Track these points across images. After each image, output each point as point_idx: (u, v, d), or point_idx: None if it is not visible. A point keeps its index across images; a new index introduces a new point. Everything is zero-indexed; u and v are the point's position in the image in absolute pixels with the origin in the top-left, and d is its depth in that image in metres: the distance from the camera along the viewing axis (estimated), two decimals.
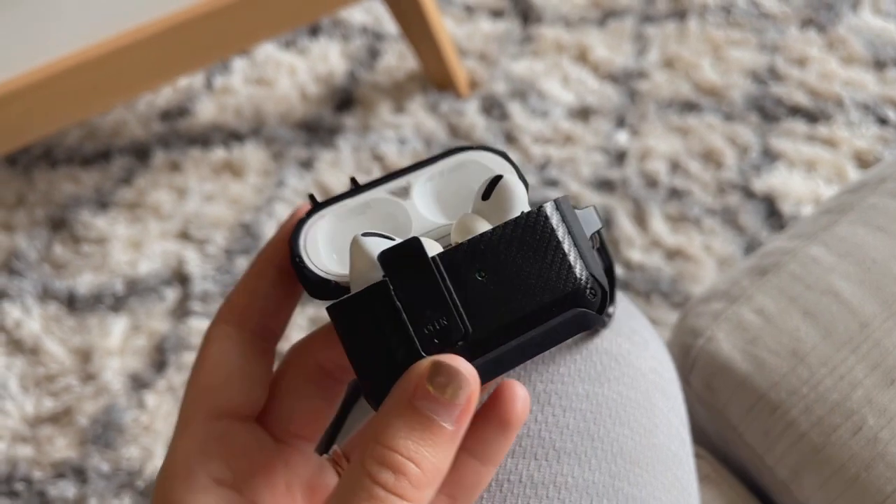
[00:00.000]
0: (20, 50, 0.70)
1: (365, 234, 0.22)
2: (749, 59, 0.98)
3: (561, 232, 0.22)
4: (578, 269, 0.22)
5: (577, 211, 0.23)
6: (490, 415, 0.23)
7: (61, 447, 0.78)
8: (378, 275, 0.21)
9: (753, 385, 0.37)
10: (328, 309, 0.22)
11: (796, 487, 0.37)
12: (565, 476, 0.26)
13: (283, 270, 0.25)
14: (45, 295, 0.87)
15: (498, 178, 0.23)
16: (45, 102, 0.72)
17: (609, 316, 0.28)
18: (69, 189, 0.95)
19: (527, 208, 0.23)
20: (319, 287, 0.24)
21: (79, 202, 0.94)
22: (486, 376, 0.21)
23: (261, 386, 0.24)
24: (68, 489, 0.76)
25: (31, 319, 0.86)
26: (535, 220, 0.22)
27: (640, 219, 0.87)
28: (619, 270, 0.84)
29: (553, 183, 0.90)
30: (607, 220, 0.88)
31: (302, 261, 0.24)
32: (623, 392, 0.29)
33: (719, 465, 0.41)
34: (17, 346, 0.84)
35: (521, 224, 0.22)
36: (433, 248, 0.22)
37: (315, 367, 0.25)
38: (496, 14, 1.06)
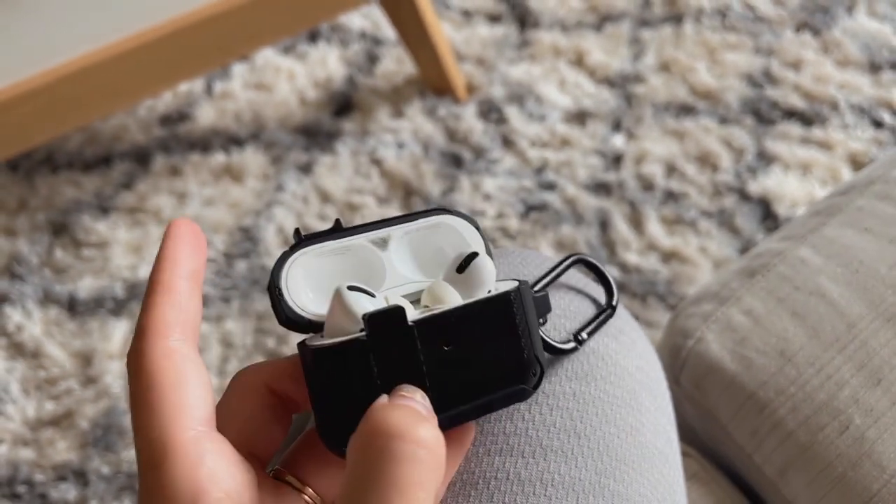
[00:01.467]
0: (22, 55, 0.70)
1: (350, 288, 0.24)
2: (744, 63, 0.99)
3: (518, 318, 0.25)
4: (526, 353, 0.25)
5: (535, 296, 0.27)
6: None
7: (62, 450, 0.79)
8: (355, 328, 0.23)
9: (742, 385, 0.38)
10: (301, 346, 0.24)
11: (784, 486, 0.38)
12: (552, 473, 0.27)
13: (193, 279, 0.25)
14: (47, 299, 0.88)
15: (474, 255, 0.26)
16: (46, 108, 0.73)
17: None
18: (70, 194, 0.96)
19: (493, 286, 0.26)
20: (292, 322, 0.26)
21: (80, 207, 0.94)
22: (442, 426, 0.23)
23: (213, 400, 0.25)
24: (69, 491, 0.77)
25: (32, 323, 0.86)
26: (497, 304, 0.25)
27: (637, 221, 0.88)
28: (615, 272, 0.85)
29: (550, 186, 0.91)
30: (604, 223, 0.88)
31: (281, 294, 0.26)
32: (609, 391, 0.30)
33: (708, 463, 0.41)
34: (19, 349, 0.85)
35: (487, 305, 0.25)
36: (409, 313, 0.24)
37: (267, 393, 0.26)
38: (493, 19, 1.07)
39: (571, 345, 0.29)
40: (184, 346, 0.24)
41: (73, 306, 0.87)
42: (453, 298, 0.25)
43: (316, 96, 1.02)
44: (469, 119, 0.97)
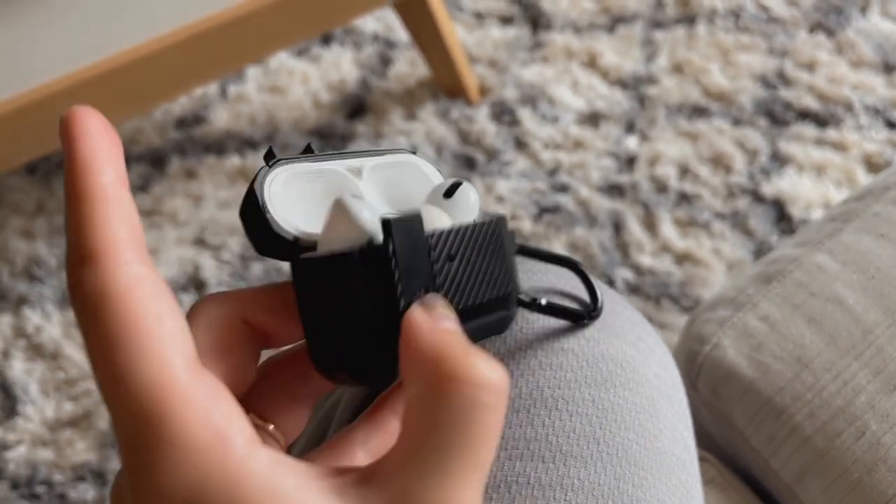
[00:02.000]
0: (39, 62, 0.71)
1: (353, 197, 0.22)
2: (758, 64, 0.99)
3: (506, 244, 0.25)
4: (511, 280, 0.25)
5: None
6: None
7: (81, 450, 0.80)
8: (361, 240, 0.22)
9: (759, 391, 0.38)
10: (302, 261, 0.22)
11: (801, 491, 0.38)
12: (572, 478, 0.27)
13: (126, 185, 0.20)
14: (65, 301, 0.89)
15: (460, 182, 0.26)
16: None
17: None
18: None
19: (477, 215, 0.26)
20: (280, 243, 0.23)
21: None
22: None
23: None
24: (88, 492, 0.78)
25: (51, 325, 0.87)
26: (492, 229, 0.25)
27: (650, 223, 0.88)
28: (628, 275, 0.85)
29: (563, 188, 0.91)
30: (617, 225, 0.88)
31: (266, 208, 0.23)
32: (628, 397, 0.30)
33: (725, 468, 0.41)
34: (38, 351, 0.86)
35: (483, 228, 0.24)
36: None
37: (238, 325, 0.23)
38: (506, 21, 1.07)
39: (527, 299, 0.27)
40: (149, 270, 0.19)
41: None
42: (444, 220, 0.25)
43: (329, 99, 1.02)
44: (482, 121, 0.97)
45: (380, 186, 0.27)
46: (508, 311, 0.25)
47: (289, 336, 0.24)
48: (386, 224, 0.21)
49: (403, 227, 0.21)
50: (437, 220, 0.25)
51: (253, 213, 0.23)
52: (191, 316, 0.22)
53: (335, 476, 0.19)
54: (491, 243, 0.24)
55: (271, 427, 0.24)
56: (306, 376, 0.24)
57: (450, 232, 0.23)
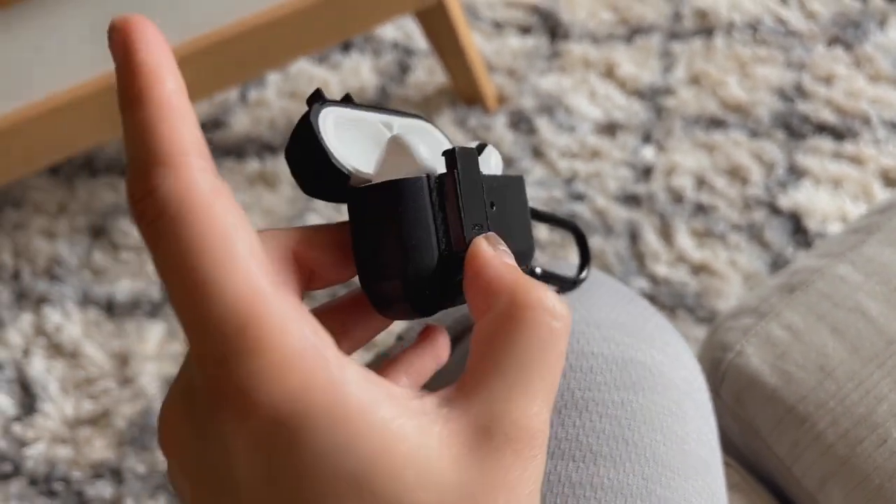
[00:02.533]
0: (67, 66, 0.73)
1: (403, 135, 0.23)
2: (776, 77, 0.99)
3: (527, 200, 0.27)
4: (531, 235, 0.27)
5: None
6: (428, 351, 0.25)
7: (99, 448, 0.80)
8: (418, 173, 0.22)
9: (782, 398, 0.39)
10: (362, 191, 0.22)
11: (822, 497, 0.38)
12: (601, 478, 0.28)
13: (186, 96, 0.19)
14: (86, 300, 0.90)
15: (485, 144, 0.27)
16: (89, 117, 0.75)
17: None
18: (109, 198, 0.98)
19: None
20: (334, 178, 0.22)
21: (118, 210, 0.97)
22: None
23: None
24: (105, 489, 0.78)
25: (71, 324, 0.88)
26: (519, 185, 0.26)
27: (666, 234, 0.88)
28: (644, 284, 0.86)
29: (580, 197, 0.92)
30: (633, 235, 0.89)
31: (326, 144, 0.22)
32: (656, 400, 0.30)
33: (748, 474, 0.42)
34: (58, 349, 0.87)
35: (515, 181, 0.26)
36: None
37: (292, 259, 0.22)
38: (524, 30, 1.08)
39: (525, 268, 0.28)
40: (224, 182, 0.18)
41: (111, 308, 0.89)
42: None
43: None
44: (499, 129, 0.98)
45: None
46: (527, 266, 0.27)
47: (334, 277, 0.24)
48: (451, 154, 0.22)
49: (466, 161, 0.22)
50: None
51: (306, 147, 0.22)
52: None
53: (419, 398, 0.19)
54: (518, 198, 0.26)
55: None
56: (354, 323, 0.25)
57: (494, 178, 0.24)
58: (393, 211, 0.21)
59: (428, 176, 0.22)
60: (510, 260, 0.21)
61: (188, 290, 0.17)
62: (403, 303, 0.22)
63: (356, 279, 0.23)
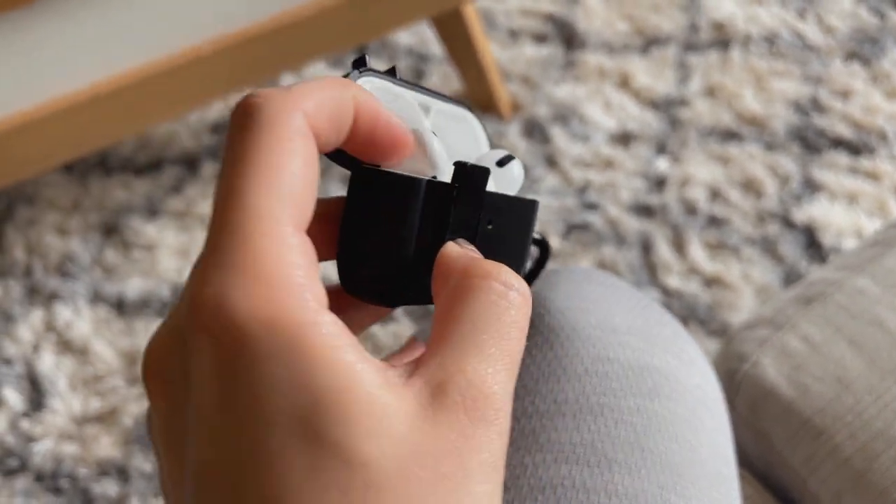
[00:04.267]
0: (85, 64, 0.73)
1: (430, 132, 0.23)
2: (792, 90, 0.99)
3: (531, 228, 0.26)
4: (524, 262, 0.26)
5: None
6: None
7: (106, 446, 0.80)
8: (425, 172, 0.23)
9: (798, 410, 0.38)
10: (366, 171, 0.23)
11: None
12: (616, 484, 0.28)
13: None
14: (96, 298, 0.90)
15: (512, 156, 0.27)
16: (105, 115, 0.75)
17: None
18: (122, 196, 0.98)
19: (516, 191, 0.27)
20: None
21: (130, 209, 0.97)
22: None
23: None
24: (111, 487, 0.78)
25: (81, 321, 0.88)
26: (529, 209, 0.26)
27: (679, 245, 0.88)
28: (656, 295, 0.85)
29: (592, 206, 0.92)
30: (645, 245, 0.88)
31: None
32: (672, 408, 0.30)
33: (762, 487, 0.41)
34: (67, 346, 0.87)
35: (522, 204, 0.26)
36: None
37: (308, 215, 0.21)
38: (540, 39, 1.08)
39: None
40: (313, 142, 0.20)
41: (121, 306, 0.89)
42: (490, 187, 0.26)
43: None
44: (513, 137, 0.98)
45: (437, 130, 0.28)
46: None
47: (322, 252, 0.23)
48: (461, 168, 0.22)
49: (474, 178, 0.23)
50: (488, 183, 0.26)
51: None
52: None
53: (386, 369, 0.19)
54: (522, 222, 0.26)
55: None
56: (348, 305, 0.25)
57: (505, 198, 0.24)
58: (383, 201, 0.22)
59: (429, 181, 0.23)
60: (477, 255, 0.22)
61: (224, 186, 0.18)
62: (371, 292, 0.23)
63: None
